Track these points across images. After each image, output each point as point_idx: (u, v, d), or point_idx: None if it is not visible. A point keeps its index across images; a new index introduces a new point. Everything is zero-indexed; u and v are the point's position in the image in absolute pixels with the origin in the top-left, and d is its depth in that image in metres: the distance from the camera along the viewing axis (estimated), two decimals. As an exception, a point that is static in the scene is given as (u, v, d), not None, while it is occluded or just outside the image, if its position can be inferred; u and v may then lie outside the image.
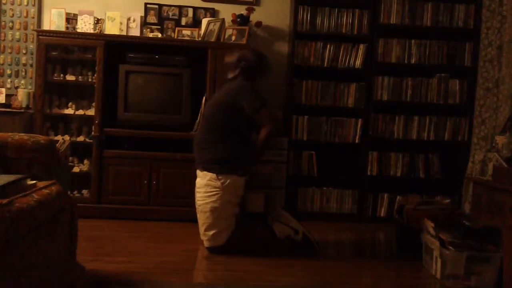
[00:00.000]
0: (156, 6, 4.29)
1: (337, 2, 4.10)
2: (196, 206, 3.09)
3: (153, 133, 3.82)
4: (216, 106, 3.08)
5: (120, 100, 3.82)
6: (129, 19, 4.14)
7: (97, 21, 4.01)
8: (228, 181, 2.97)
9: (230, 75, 3.18)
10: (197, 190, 3.09)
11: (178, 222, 3.68)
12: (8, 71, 4.22)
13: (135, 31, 4.12)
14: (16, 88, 4.16)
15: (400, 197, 4.13)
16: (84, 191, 3.85)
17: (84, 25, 3.95)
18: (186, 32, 4.21)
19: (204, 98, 3.83)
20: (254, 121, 3.03)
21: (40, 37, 3.79)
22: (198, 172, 3.10)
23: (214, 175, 2.98)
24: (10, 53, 4.21)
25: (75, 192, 3.83)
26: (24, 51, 4.22)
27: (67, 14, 3.98)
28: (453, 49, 4.16)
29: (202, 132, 3.11)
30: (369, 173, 4.16)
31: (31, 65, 4.18)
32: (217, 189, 2.97)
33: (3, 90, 4.07)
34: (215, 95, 3.23)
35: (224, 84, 3.27)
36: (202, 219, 3.02)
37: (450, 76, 4.16)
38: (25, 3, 4.19)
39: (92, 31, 3.93)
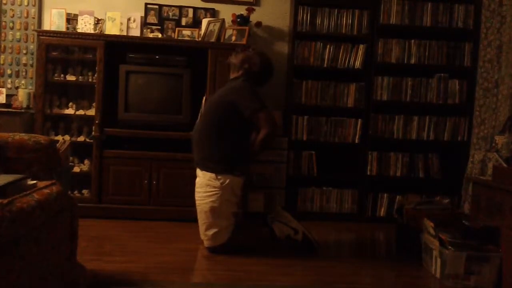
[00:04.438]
0: (156, 7, 4.30)
1: (337, 2, 4.11)
2: (196, 205, 3.10)
3: (153, 133, 3.82)
4: (215, 105, 3.08)
5: (120, 100, 3.83)
6: (129, 19, 4.14)
7: (98, 21, 4.02)
8: (227, 181, 2.97)
9: (232, 76, 3.18)
10: (196, 189, 3.09)
11: (178, 222, 3.69)
12: (9, 71, 4.22)
13: (135, 31, 4.13)
14: (17, 88, 4.17)
15: (400, 197, 4.14)
16: (85, 191, 3.86)
17: (85, 25, 3.96)
18: (186, 32, 4.21)
19: (204, 98, 3.83)
20: (252, 122, 3.02)
21: (41, 37, 3.79)
22: (198, 171, 3.10)
23: (213, 175, 2.98)
24: (11, 53, 4.22)
25: (76, 192, 3.84)
26: (24, 51, 4.22)
27: (68, 14, 3.98)
28: (453, 49, 4.16)
29: (200, 131, 3.10)
30: (369, 173, 4.16)
31: (32, 65, 4.19)
32: (216, 189, 2.97)
33: (4, 90, 4.07)
34: (215, 94, 3.23)
35: (225, 84, 3.26)
36: (202, 218, 3.03)
37: (449, 76, 4.16)
38: (26, 4, 4.20)
39: (92, 31, 3.94)
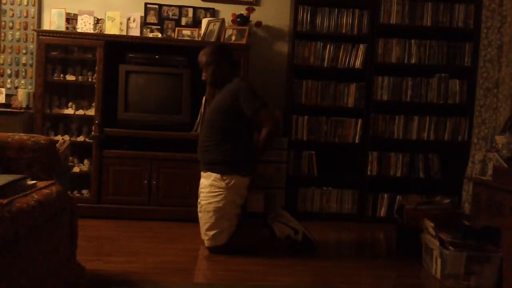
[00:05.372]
0: (156, 6, 4.29)
1: (337, 2, 4.10)
2: (199, 206, 3.09)
3: (153, 133, 3.82)
4: (217, 109, 3.07)
5: (120, 100, 3.82)
6: (129, 19, 4.14)
7: (97, 21, 4.01)
8: (232, 181, 2.97)
9: (222, 81, 3.16)
10: (201, 190, 3.09)
11: (178, 222, 3.68)
12: (8, 71, 4.22)
13: (135, 31, 4.12)
14: (16, 88, 4.17)
15: (400, 197, 4.14)
16: (84, 191, 3.85)
17: (84, 25, 3.95)
18: (186, 32, 4.21)
19: (204, 98, 3.83)
20: (254, 121, 3.03)
21: (40, 37, 3.79)
22: (202, 173, 3.10)
23: (218, 176, 2.98)
24: (10, 53, 4.21)
25: (75, 192, 3.83)
26: (24, 51, 4.22)
27: (67, 14, 3.98)
28: (453, 49, 4.16)
29: (204, 134, 3.11)
30: (369, 173, 4.16)
31: (31, 65, 4.18)
32: (221, 190, 2.97)
33: (3, 90, 4.07)
34: (215, 98, 3.23)
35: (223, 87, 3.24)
36: (205, 219, 3.02)
37: (450, 76, 4.16)
38: (25, 3, 4.19)
39: (92, 31, 3.93)
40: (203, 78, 3.20)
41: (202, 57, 3.15)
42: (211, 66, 3.11)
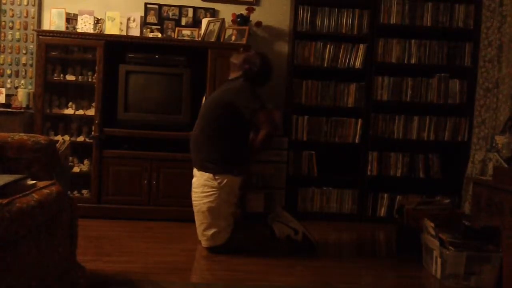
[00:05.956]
0: (156, 6, 4.29)
1: (337, 2, 4.10)
2: (193, 206, 3.09)
3: (153, 133, 3.82)
4: (214, 105, 3.07)
5: (120, 100, 3.82)
6: (129, 19, 4.14)
7: (97, 21, 4.01)
8: (225, 181, 2.97)
9: (232, 76, 3.17)
10: (193, 189, 3.08)
11: (178, 222, 3.68)
12: (8, 71, 4.21)
13: (135, 31, 4.13)
14: (16, 88, 4.17)
15: (400, 197, 4.14)
16: (84, 191, 3.85)
17: (84, 25, 3.95)
18: (186, 32, 4.21)
19: (204, 98, 3.83)
20: (252, 122, 3.02)
21: (40, 37, 3.79)
22: (195, 172, 3.10)
23: (211, 175, 2.98)
24: (10, 53, 4.21)
25: (75, 192, 3.83)
26: (24, 51, 4.22)
27: (67, 14, 3.98)
28: (453, 49, 4.16)
29: (199, 131, 3.10)
30: (369, 173, 4.16)
31: (31, 65, 4.18)
32: (214, 189, 2.97)
33: (3, 90, 4.07)
34: (213, 94, 3.23)
35: (224, 83, 3.25)
36: (200, 219, 3.02)
37: (450, 76, 4.16)
38: (25, 3, 4.19)
39: (92, 31, 3.93)
40: (235, 59, 3.19)
41: (255, 54, 3.18)
42: (250, 62, 3.11)
